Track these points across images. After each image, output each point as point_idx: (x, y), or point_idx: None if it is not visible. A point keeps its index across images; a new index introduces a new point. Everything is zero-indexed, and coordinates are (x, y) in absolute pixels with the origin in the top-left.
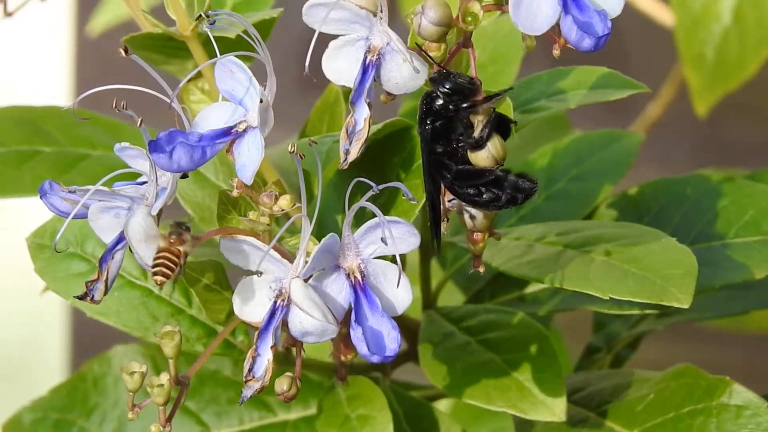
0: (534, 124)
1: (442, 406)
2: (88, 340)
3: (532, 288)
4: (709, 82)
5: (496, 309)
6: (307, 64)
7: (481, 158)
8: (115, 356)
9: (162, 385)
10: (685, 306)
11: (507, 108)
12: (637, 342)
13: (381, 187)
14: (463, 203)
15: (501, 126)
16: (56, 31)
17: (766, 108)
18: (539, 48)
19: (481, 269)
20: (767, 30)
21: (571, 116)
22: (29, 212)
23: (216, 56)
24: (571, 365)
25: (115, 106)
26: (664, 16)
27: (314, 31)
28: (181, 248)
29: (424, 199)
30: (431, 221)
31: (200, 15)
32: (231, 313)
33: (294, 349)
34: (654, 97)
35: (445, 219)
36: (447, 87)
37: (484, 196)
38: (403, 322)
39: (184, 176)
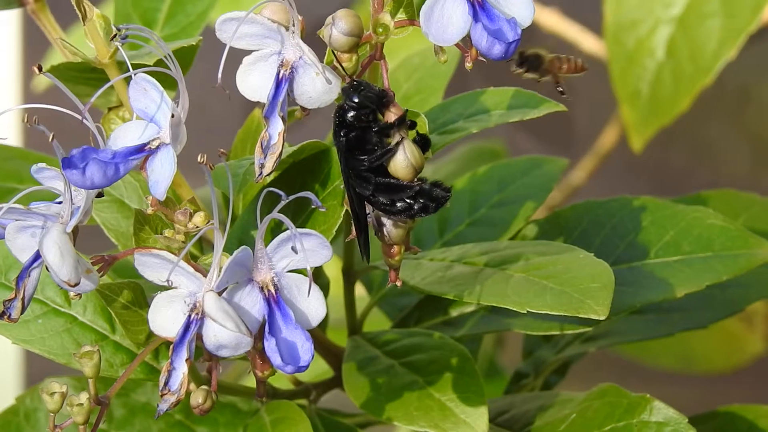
0: (473, 155)
1: None
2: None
3: (456, 311)
4: (645, 117)
5: (420, 332)
6: (219, 76)
7: (400, 166)
8: None
9: (81, 404)
10: (602, 317)
11: (422, 126)
12: (566, 368)
13: (292, 197)
14: (380, 213)
15: (418, 141)
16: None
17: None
18: (472, 78)
19: (398, 283)
20: (700, 64)
21: (512, 152)
22: None
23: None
24: None
25: (26, 121)
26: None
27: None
28: None
29: (341, 218)
30: (356, 230)
31: (114, 34)
32: (151, 334)
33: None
34: (599, 132)
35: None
36: (356, 99)
37: (397, 205)
38: (329, 349)
39: (100, 195)
